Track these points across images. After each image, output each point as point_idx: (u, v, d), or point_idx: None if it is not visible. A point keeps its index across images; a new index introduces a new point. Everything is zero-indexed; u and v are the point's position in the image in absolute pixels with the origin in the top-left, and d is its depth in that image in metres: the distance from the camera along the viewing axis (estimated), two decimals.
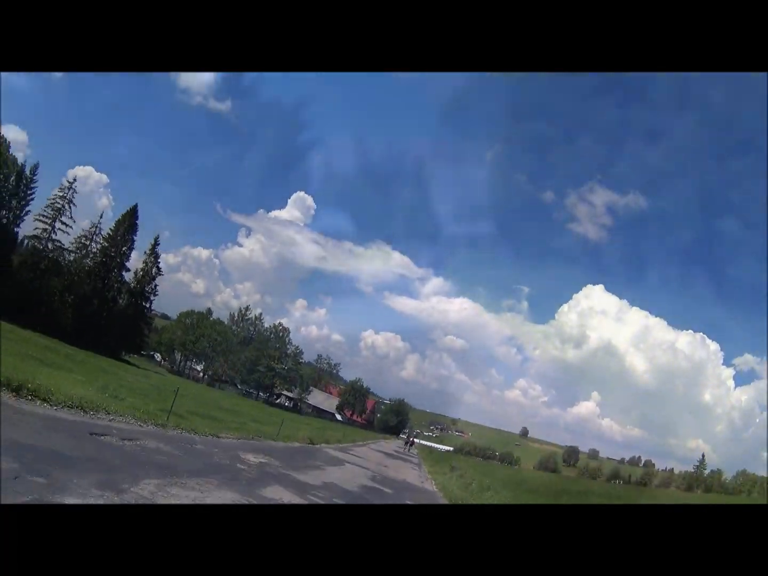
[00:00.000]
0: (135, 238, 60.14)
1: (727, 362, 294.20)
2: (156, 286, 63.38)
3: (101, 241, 59.07)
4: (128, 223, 59.72)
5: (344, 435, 39.44)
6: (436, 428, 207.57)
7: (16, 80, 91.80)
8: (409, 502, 13.16)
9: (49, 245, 56.17)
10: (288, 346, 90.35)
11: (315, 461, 15.89)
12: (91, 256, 58.87)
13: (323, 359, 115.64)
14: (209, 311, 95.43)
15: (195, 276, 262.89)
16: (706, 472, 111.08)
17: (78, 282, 55.23)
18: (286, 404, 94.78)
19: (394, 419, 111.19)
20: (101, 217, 61.59)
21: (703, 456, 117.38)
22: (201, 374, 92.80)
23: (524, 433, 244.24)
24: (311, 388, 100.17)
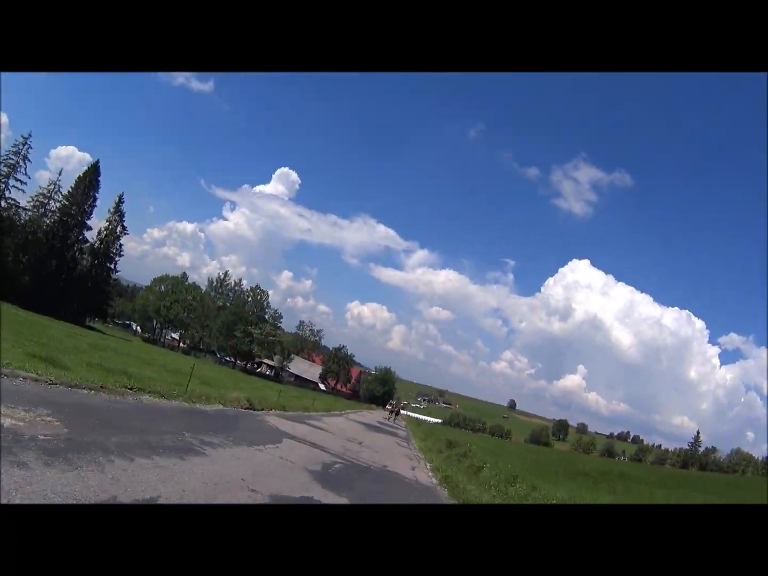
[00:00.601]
0: (97, 195, 56.46)
1: (712, 340, 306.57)
2: (121, 245, 59.78)
3: (61, 199, 55.34)
4: (89, 179, 55.93)
5: (314, 402, 34.62)
6: (424, 399, 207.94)
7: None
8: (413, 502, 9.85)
9: (2, 203, 52.33)
10: (267, 310, 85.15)
11: (207, 436, 8.97)
12: (49, 214, 55.14)
13: (305, 325, 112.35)
14: (184, 275, 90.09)
15: (180, 249, 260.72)
16: (700, 449, 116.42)
17: (33, 241, 51.52)
18: (267, 373, 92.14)
19: (380, 389, 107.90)
20: (60, 174, 57.32)
21: (698, 433, 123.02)
22: (177, 342, 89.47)
23: (512, 405, 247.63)
24: (293, 356, 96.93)
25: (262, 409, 18.03)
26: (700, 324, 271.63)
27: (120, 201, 59.69)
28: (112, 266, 59.79)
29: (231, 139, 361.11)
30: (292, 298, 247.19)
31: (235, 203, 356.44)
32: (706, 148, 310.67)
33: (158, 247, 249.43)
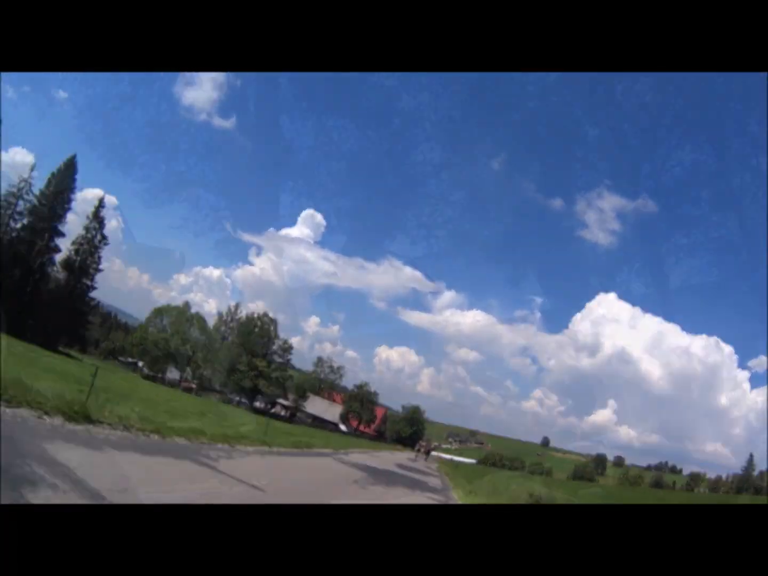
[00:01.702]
0: (73, 197, 47.65)
1: (742, 364, 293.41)
2: (100, 258, 50.14)
3: (32, 199, 46.57)
4: (63, 176, 47.24)
5: (295, 437, 23.76)
6: (455, 440, 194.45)
7: (20, 104, 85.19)
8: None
9: None
10: (275, 341, 74.41)
11: None
12: (17, 217, 46.23)
13: (324, 362, 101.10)
14: (187, 304, 79.61)
15: (207, 296, 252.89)
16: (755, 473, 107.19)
17: None
18: (282, 414, 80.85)
19: (408, 429, 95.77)
20: (32, 170, 48.51)
21: (751, 456, 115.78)
22: (179, 381, 78.54)
23: (545, 442, 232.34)
24: (308, 394, 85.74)
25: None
26: (728, 349, 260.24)
27: (100, 205, 50.65)
28: (89, 282, 50.10)
29: (255, 179, 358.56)
30: (320, 343, 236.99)
31: (260, 247, 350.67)
32: (730, 172, 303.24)
33: (185, 294, 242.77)
